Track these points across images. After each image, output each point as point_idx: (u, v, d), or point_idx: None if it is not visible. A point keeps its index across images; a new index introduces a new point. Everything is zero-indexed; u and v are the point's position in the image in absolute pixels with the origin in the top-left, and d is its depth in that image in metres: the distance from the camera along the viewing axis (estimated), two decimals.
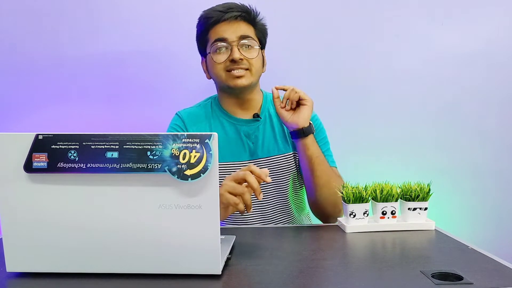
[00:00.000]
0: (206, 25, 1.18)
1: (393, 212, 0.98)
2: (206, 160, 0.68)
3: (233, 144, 1.21)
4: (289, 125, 1.13)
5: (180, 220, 0.70)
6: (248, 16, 1.19)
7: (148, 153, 0.69)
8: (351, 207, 0.98)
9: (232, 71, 1.16)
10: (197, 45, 1.25)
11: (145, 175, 0.69)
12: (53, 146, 0.69)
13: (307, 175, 1.14)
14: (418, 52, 1.57)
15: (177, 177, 0.68)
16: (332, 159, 1.24)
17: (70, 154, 0.69)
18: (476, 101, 1.58)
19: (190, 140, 0.69)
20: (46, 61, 1.55)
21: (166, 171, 0.68)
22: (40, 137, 0.70)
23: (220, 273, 0.71)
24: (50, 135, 0.70)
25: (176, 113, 1.27)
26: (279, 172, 1.21)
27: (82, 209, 0.71)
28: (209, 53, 1.18)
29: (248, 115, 1.24)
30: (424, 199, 0.99)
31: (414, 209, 0.99)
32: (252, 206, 0.97)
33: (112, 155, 0.69)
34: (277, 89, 1.14)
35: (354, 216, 0.98)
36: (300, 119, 1.11)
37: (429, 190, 0.99)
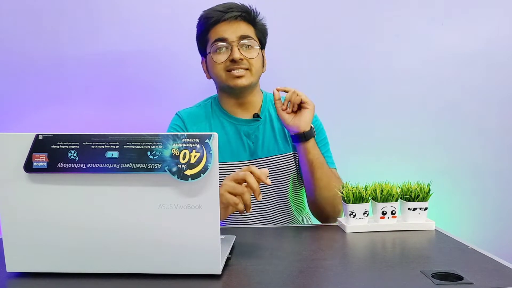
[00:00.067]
0: (206, 25, 1.18)
1: (393, 212, 0.98)
2: (206, 160, 0.68)
3: (233, 144, 1.21)
4: (290, 128, 1.12)
5: (180, 220, 0.70)
6: (248, 16, 1.19)
7: (148, 153, 0.69)
8: (351, 207, 0.98)
9: (232, 71, 1.16)
10: (197, 45, 1.25)
11: (145, 175, 0.69)
12: (53, 146, 0.69)
13: (307, 177, 1.14)
14: (418, 52, 1.57)
15: (177, 177, 0.68)
16: (331, 160, 1.24)
17: (70, 154, 0.69)
18: (476, 101, 1.58)
19: (190, 140, 0.69)
20: (46, 61, 1.55)
21: (166, 171, 0.68)
22: (40, 137, 0.70)
23: (220, 273, 0.71)
24: (50, 135, 0.70)
25: (176, 113, 1.27)
26: (279, 172, 1.21)
27: (82, 209, 0.71)
28: (209, 53, 1.18)
29: (248, 115, 1.24)
30: (424, 199, 0.99)
31: (414, 209, 0.99)
32: (252, 206, 0.97)
33: (112, 155, 0.69)
34: (278, 90, 1.13)
35: (354, 216, 0.98)
36: (302, 122, 1.10)
37: (429, 190, 0.99)
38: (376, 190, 0.98)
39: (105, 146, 0.69)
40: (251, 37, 1.18)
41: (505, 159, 1.60)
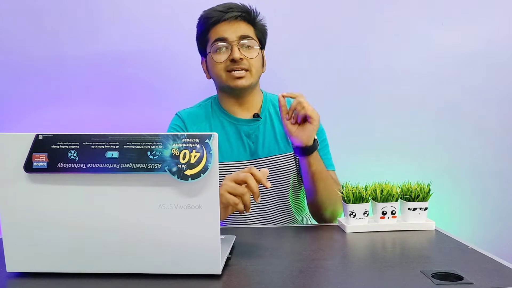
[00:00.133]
0: (207, 25, 1.18)
1: (393, 212, 0.98)
2: (206, 160, 0.68)
3: (233, 144, 1.21)
4: (293, 140, 1.09)
5: (180, 220, 0.70)
6: (248, 16, 1.19)
7: (148, 153, 0.69)
8: (351, 207, 0.98)
9: (232, 72, 1.16)
10: (197, 45, 1.25)
11: (145, 175, 0.69)
12: (53, 146, 0.69)
13: (308, 187, 1.14)
14: (418, 52, 1.57)
15: (177, 177, 0.68)
16: (331, 162, 1.24)
17: (70, 154, 0.69)
18: (476, 101, 1.58)
19: (190, 140, 0.69)
20: (46, 61, 1.55)
21: (166, 171, 0.68)
22: (40, 137, 0.70)
23: (220, 273, 0.71)
24: (50, 135, 0.70)
25: (176, 113, 1.27)
26: (279, 172, 1.21)
27: (82, 209, 0.71)
28: (209, 52, 1.19)
29: (248, 115, 1.24)
30: (424, 199, 0.99)
31: (414, 209, 0.99)
32: (252, 206, 0.97)
33: (112, 155, 0.69)
34: (284, 97, 1.07)
35: (354, 216, 0.98)
36: (305, 136, 1.06)
37: (429, 190, 0.99)
38: (376, 190, 0.98)
39: (105, 146, 0.69)
40: (251, 37, 1.18)
41: (505, 159, 1.60)
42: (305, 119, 1.06)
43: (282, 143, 1.23)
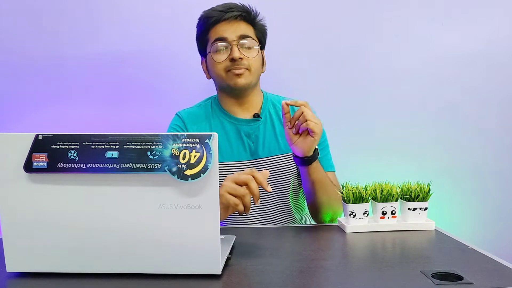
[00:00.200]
0: (206, 25, 1.18)
1: (393, 212, 0.98)
2: (206, 160, 0.68)
3: (233, 144, 1.21)
4: (293, 149, 1.08)
5: (180, 220, 0.70)
6: (248, 16, 1.19)
7: (148, 153, 0.69)
8: (351, 207, 0.98)
9: (233, 70, 1.16)
10: (197, 45, 1.25)
11: (145, 175, 0.69)
12: (53, 146, 0.69)
13: (308, 192, 1.14)
14: (418, 52, 1.57)
15: (177, 177, 0.68)
16: (331, 163, 1.24)
17: (70, 154, 0.69)
18: (476, 101, 1.58)
19: (190, 140, 0.69)
20: (46, 61, 1.55)
21: (166, 171, 0.68)
22: (40, 137, 0.70)
23: (220, 273, 0.71)
24: (50, 135, 0.70)
25: (176, 113, 1.27)
26: (280, 172, 1.21)
27: (82, 209, 0.71)
28: (209, 52, 1.19)
29: (248, 115, 1.24)
30: (424, 199, 0.99)
31: (414, 209, 0.99)
32: (253, 206, 0.97)
33: (112, 155, 0.69)
34: (287, 105, 1.04)
35: (354, 216, 0.98)
36: (305, 147, 1.05)
37: (429, 190, 0.99)
38: (376, 190, 0.98)
39: (105, 146, 0.69)
40: (251, 37, 1.18)
41: (505, 159, 1.60)
42: (307, 131, 1.03)
43: (283, 143, 1.22)
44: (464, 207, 1.60)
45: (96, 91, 1.57)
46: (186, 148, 0.69)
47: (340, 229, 1.02)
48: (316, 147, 1.08)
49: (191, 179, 0.68)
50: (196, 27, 1.23)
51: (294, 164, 1.23)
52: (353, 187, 0.98)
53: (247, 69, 1.17)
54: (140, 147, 0.69)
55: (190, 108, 1.29)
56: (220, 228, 0.72)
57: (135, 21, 1.55)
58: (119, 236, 0.71)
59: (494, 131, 1.59)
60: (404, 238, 0.94)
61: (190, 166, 0.68)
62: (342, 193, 1.00)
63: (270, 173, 0.91)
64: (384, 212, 0.98)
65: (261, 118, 1.24)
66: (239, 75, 1.16)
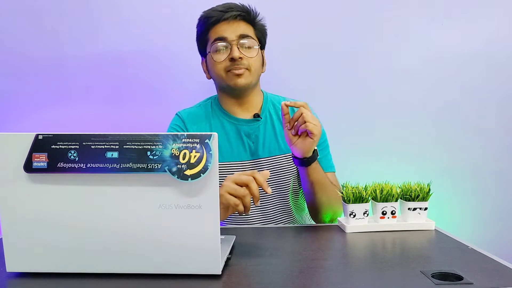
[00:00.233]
0: (206, 25, 1.18)
1: (393, 212, 0.98)
2: (206, 160, 0.68)
3: (233, 144, 1.21)
4: (292, 150, 1.09)
5: (180, 220, 0.70)
6: (248, 16, 1.19)
7: (148, 153, 0.69)
8: (351, 207, 0.98)
9: (232, 70, 1.16)
10: (197, 45, 1.25)
11: (145, 175, 0.69)
12: (53, 146, 0.69)
13: (307, 192, 1.14)
14: (418, 52, 1.57)
15: (177, 177, 0.68)
16: (331, 163, 1.24)
17: (70, 154, 0.69)
18: (476, 101, 1.58)
19: (190, 140, 0.69)
20: (46, 61, 1.55)
21: (166, 171, 0.68)
22: (40, 137, 0.70)
23: (220, 273, 0.71)
24: (50, 135, 0.70)
25: (176, 113, 1.27)
26: (280, 172, 1.21)
27: (82, 209, 0.71)
28: (209, 52, 1.19)
29: (248, 115, 1.24)
30: (424, 199, 0.99)
31: (414, 209, 0.99)
32: (253, 205, 0.97)
33: (112, 155, 0.69)
34: (287, 106, 1.04)
35: (354, 216, 0.98)
36: (304, 148, 1.05)
37: (429, 190, 0.99)
38: (376, 190, 0.98)
39: (105, 146, 0.69)
40: (251, 37, 1.18)
41: (505, 159, 1.60)
42: (306, 132, 1.03)
43: (283, 143, 1.22)
44: (464, 207, 1.60)
45: (96, 91, 1.57)
46: (186, 148, 0.69)
47: (340, 229, 1.02)
48: (316, 148, 1.08)
49: (191, 179, 0.68)
50: (196, 27, 1.23)
51: (294, 165, 1.23)
52: (353, 187, 0.98)
53: (247, 69, 1.17)
54: (140, 147, 0.69)
55: (190, 108, 1.29)
56: (220, 228, 0.72)
57: (135, 21, 1.55)
58: (119, 236, 0.71)
59: (494, 131, 1.59)
60: (404, 238, 0.94)
61: (190, 166, 0.68)
62: (342, 193, 1.00)
63: (270, 173, 0.91)
64: (384, 212, 0.98)
65: (261, 118, 1.24)
66: (239, 75, 1.16)
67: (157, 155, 0.69)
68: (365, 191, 0.98)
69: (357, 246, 0.91)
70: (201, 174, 0.68)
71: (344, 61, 1.57)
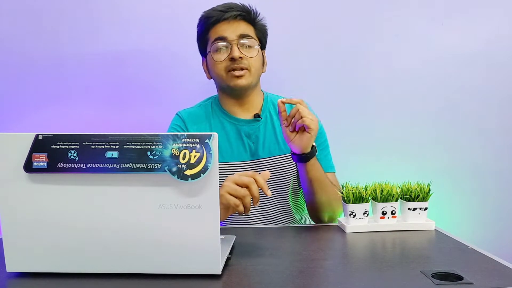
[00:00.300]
0: (207, 24, 1.19)
1: (393, 212, 0.98)
2: (206, 160, 0.68)
3: (233, 144, 1.21)
4: (291, 147, 1.09)
5: (180, 220, 0.70)
6: (248, 15, 1.19)
7: (148, 153, 0.69)
8: (351, 207, 0.98)
9: (232, 71, 1.16)
10: (198, 45, 1.25)
11: (145, 175, 0.69)
12: (53, 146, 0.69)
13: (306, 191, 1.14)
14: (418, 52, 1.57)
15: (177, 177, 0.68)
16: (331, 163, 1.24)
17: (70, 154, 0.69)
18: (476, 101, 1.58)
19: (190, 140, 0.69)
20: (46, 61, 1.55)
21: (166, 171, 0.68)
22: (40, 137, 0.70)
23: (220, 273, 0.71)
24: (50, 135, 0.70)
25: (177, 113, 1.27)
26: (280, 172, 1.21)
27: (82, 209, 0.71)
28: (209, 52, 1.19)
29: (248, 115, 1.24)
30: (424, 199, 0.99)
31: (414, 209, 0.99)
32: (253, 206, 0.97)
33: (112, 155, 0.69)
34: (283, 103, 1.06)
35: (354, 216, 0.98)
36: (302, 144, 1.06)
37: (429, 190, 0.99)
38: (376, 190, 0.98)
39: (105, 146, 0.69)
40: (251, 37, 1.18)
41: (505, 159, 1.60)
42: (303, 127, 1.05)
43: (283, 143, 1.22)
44: (464, 207, 1.60)
45: (96, 91, 1.57)
46: (186, 148, 0.69)
47: (340, 229, 1.02)
48: (314, 144, 1.09)
49: (191, 179, 0.68)
50: (197, 27, 1.23)
51: (294, 165, 1.23)
52: (353, 187, 0.98)
53: (247, 69, 1.16)
54: (140, 147, 0.69)
55: (190, 108, 1.29)
56: (220, 228, 0.72)
57: (135, 21, 1.55)
58: (119, 236, 0.71)
59: (494, 131, 1.59)
60: (404, 238, 0.94)
61: (190, 166, 0.68)
62: (342, 193, 1.00)
63: (271, 174, 0.92)
64: (384, 212, 0.98)
65: (261, 118, 1.24)
66: (239, 76, 1.15)
67: (157, 155, 0.69)
68: (365, 191, 0.98)
69: (357, 246, 0.91)
70: (201, 174, 0.68)
71: (344, 61, 1.57)
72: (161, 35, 1.55)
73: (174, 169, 0.68)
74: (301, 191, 1.29)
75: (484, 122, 1.59)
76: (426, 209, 0.99)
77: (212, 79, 1.25)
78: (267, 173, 0.89)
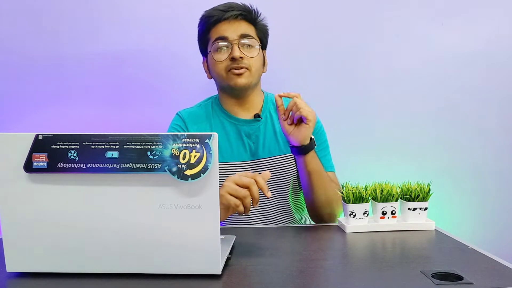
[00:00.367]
0: (207, 24, 1.19)
1: (393, 212, 0.98)
2: (206, 160, 0.68)
3: (233, 144, 1.21)
4: (290, 139, 1.10)
5: (180, 220, 0.70)
6: (249, 15, 1.19)
7: (148, 153, 0.69)
8: (351, 207, 0.98)
9: (233, 70, 1.16)
10: (199, 44, 1.25)
11: (145, 175, 0.69)
12: (53, 146, 0.69)
13: (305, 186, 1.14)
14: (418, 52, 1.57)
15: (177, 177, 0.68)
16: (331, 163, 1.24)
17: (70, 154, 0.69)
18: (476, 101, 1.58)
19: (190, 140, 0.69)
20: (46, 61, 1.55)
21: (166, 171, 0.68)
22: (40, 137, 0.70)
23: (220, 273, 0.71)
24: (50, 135, 0.70)
25: (177, 113, 1.27)
26: (281, 172, 1.21)
27: (82, 209, 0.71)
28: (210, 52, 1.19)
29: (249, 115, 1.24)
30: (424, 199, 0.99)
31: (414, 209, 0.99)
32: (253, 207, 0.97)
33: (112, 155, 0.69)
34: (280, 97, 1.09)
35: (354, 216, 0.98)
36: (301, 136, 1.07)
37: (429, 190, 0.99)
38: (376, 190, 0.98)
39: (105, 146, 0.69)
40: (252, 36, 1.18)
41: (505, 159, 1.60)
42: (301, 120, 1.07)
43: (283, 143, 1.22)
44: (464, 207, 1.60)
45: (96, 91, 1.57)
46: (186, 148, 0.69)
47: (340, 229, 1.02)
48: (312, 136, 1.10)
49: (191, 179, 0.68)
50: (198, 26, 1.23)
51: (294, 165, 1.23)
52: (353, 187, 0.99)
53: (247, 68, 1.17)
54: (140, 147, 0.69)
55: (190, 108, 1.29)
56: (220, 228, 0.72)
57: (135, 21, 1.55)
58: (119, 236, 0.71)
59: (494, 131, 1.59)
60: (404, 238, 0.94)
61: (190, 166, 0.68)
62: (342, 193, 1.00)
63: (271, 174, 0.92)
64: (384, 212, 0.98)
65: (261, 118, 1.24)
66: (239, 75, 1.16)
67: (157, 155, 0.69)
68: (365, 191, 0.98)
69: (357, 246, 0.91)
70: (201, 174, 0.68)
71: (344, 61, 1.57)
72: (161, 35, 1.55)
73: (174, 169, 0.68)
74: (301, 191, 1.29)
75: (484, 122, 1.59)
76: (426, 209, 0.99)
77: (212, 79, 1.25)
78: (267, 174, 0.89)
